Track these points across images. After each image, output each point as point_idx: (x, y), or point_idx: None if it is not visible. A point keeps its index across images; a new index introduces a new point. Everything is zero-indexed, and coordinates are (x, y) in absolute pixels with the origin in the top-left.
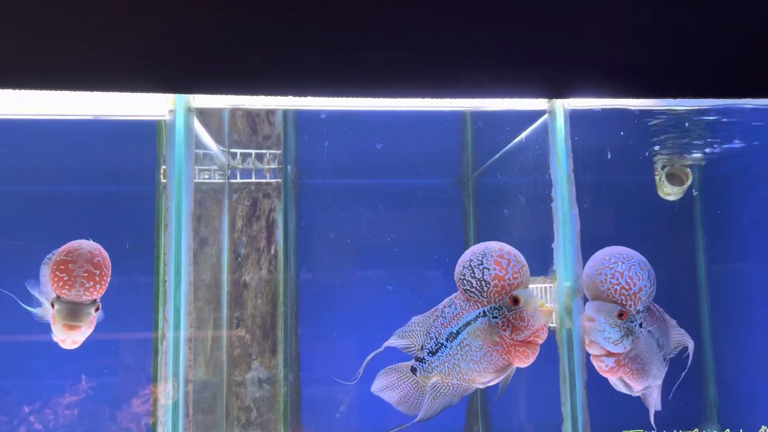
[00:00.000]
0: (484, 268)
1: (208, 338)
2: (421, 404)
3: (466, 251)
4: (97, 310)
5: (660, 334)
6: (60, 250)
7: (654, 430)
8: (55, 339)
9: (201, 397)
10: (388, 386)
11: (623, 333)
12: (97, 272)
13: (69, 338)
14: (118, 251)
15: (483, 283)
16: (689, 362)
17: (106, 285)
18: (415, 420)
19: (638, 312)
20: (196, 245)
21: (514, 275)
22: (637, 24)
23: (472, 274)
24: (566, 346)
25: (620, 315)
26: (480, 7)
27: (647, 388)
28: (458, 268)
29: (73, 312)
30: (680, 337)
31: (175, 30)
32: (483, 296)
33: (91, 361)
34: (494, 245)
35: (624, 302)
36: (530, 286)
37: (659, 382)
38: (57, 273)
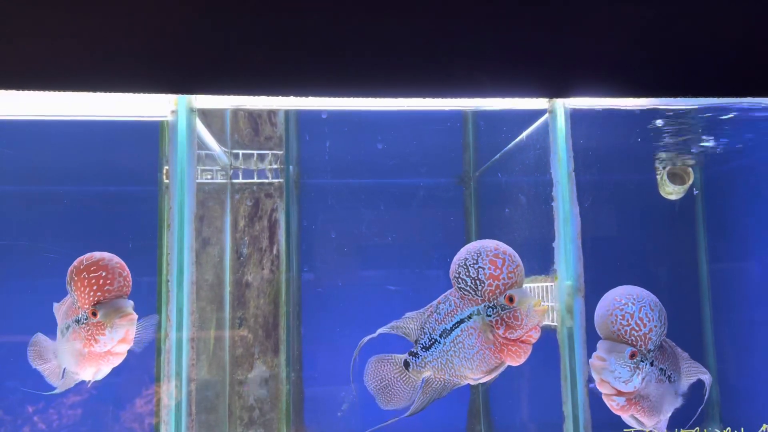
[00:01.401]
0: (479, 267)
1: (210, 338)
2: (411, 398)
3: (462, 249)
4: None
5: (672, 370)
6: (76, 263)
7: None
8: (90, 374)
9: (204, 397)
10: (378, 377)
11: (634, 372)
12: (125, 265)
13: (131, 330)
14: (121, 251)
15: (478, 281)
16: (705, 397)
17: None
18: (406, 414)
19: (649, 351)
20: (198, 245)
21: (509, 275)
22: (638, 23)
23: (467, 273)
24: (567, 345)
25: (632, 355)
26: (481, 7)
27: (659, 423)
28: (453, 266)
29: (122, 304)
30: (694, 370)
31: (177, 31)
32: (477, 294)
33: None
34: (490, 244)
35: (634, 342)
36: (532, 285)
37: (669, 415)
38: (92, 276)
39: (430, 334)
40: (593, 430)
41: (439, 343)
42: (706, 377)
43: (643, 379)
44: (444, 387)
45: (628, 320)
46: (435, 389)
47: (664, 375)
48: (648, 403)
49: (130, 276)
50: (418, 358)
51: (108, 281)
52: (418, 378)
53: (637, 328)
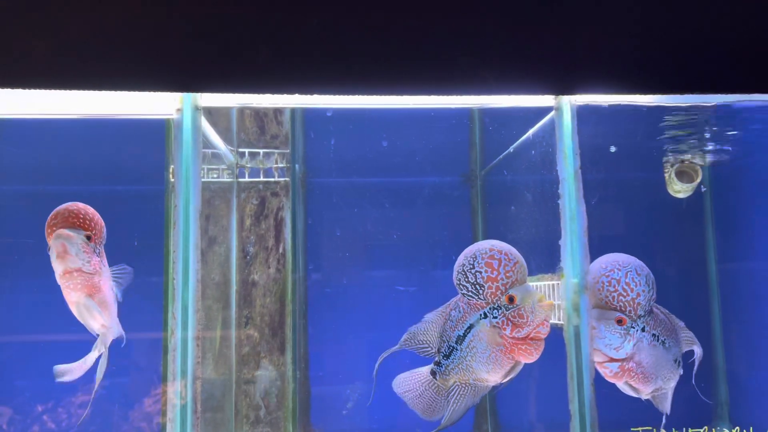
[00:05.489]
0: (477, 271)
1: (217, 336)
2: (445, 407)
3: (460, 255)
4: (88, 238)
5: (666, 336)
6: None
7: None
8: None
9: (210, 395)
10: (411, 392)
11: (624, 338)
12: (83, 211)
13: (55, 244)
14: (128, 251)
15: (477, 286)
16: (695, 369)
17: (97, 227)
18: (441, 425)
19: (639, 317)
20: (205, 244)
21: (507, 274)
22: (645, 19)
23: (467, 279)
24: (573, 343)
25: (619, 321)
26: (486, 4)
27: (658, 390)
28: (454, 273)
29: (62, 233)
30: (689, 339)
31: (182, 29)
32: (481, 298)
33: None
34: (485, 245)
35: (623, 308)
36: (539, 283)
37: (672, 384)
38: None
39: (448, 342)
40: (600, 428)
41: (457, 350)
42: (697, 349)
43: (634, 345)
44: (474, 392)
45: (615, 286)
46: (465, 395)
47: (658, 340)
48: (641, 369)
49: (87, 219)
50: (442, 366)
51: (54, 219)
52: (447, 386)
53: (624, 294)
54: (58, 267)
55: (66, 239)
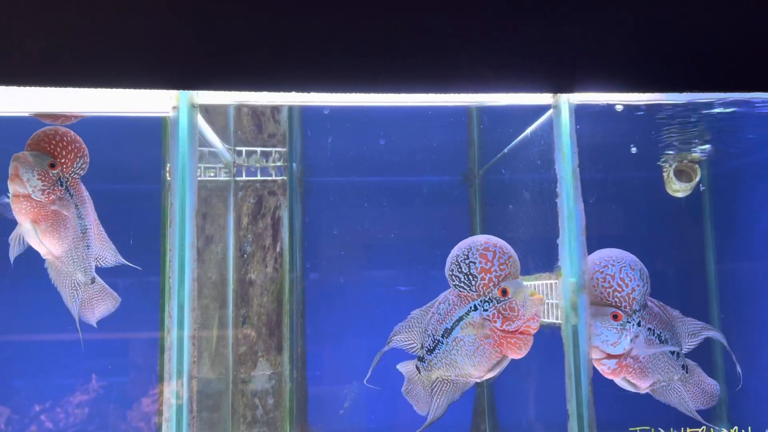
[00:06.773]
0: (470, 262)
1: (213, 336)
2: (428, 402)
3: (455, 247)
4: (51, 165)
5: (662, 329)
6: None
7: (705, 423)
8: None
9: (207, 395)
10: (406, 383)
11: (621, 334)
12: (58, 137)
13: (12, 171)
14: (126, 250)
15: (470, 277)
16: (732, 355)
17: (69, 156)
18: (426, 423)
19: (635, 311)
20: (202, 243)
21: (500, 267)
22: (643, 17)
23: (460, 269)
24: (572, 342)
25: (615, 317)
26: (485, 2)
27: (657, 383)
28: (447, 265)
29: (18, 156)
30: (695, 327)
31: (179, 25)
32: (472, 290)
33: (101, 360)
34: (480, 239)
35: (618, 304)
36: (536, 282)
37: (675, 377)
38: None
39: (433, 336)
40: (598, 428)
41: (442, 343)
42: (714, 333)
43: (631, 340)
44: (454, 388)
45: (609, 282)
46: (446, 391)
47: (654, 335)
48: (639, 364)
49: (58, 145)
50: (425, 361)
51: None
52: (429, 381)
53: (619, 289)
54: (9, 188)
55: (21, 162)
